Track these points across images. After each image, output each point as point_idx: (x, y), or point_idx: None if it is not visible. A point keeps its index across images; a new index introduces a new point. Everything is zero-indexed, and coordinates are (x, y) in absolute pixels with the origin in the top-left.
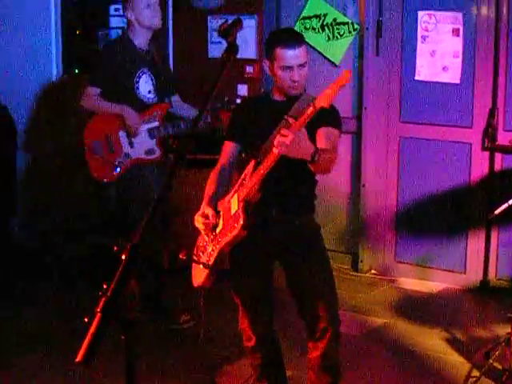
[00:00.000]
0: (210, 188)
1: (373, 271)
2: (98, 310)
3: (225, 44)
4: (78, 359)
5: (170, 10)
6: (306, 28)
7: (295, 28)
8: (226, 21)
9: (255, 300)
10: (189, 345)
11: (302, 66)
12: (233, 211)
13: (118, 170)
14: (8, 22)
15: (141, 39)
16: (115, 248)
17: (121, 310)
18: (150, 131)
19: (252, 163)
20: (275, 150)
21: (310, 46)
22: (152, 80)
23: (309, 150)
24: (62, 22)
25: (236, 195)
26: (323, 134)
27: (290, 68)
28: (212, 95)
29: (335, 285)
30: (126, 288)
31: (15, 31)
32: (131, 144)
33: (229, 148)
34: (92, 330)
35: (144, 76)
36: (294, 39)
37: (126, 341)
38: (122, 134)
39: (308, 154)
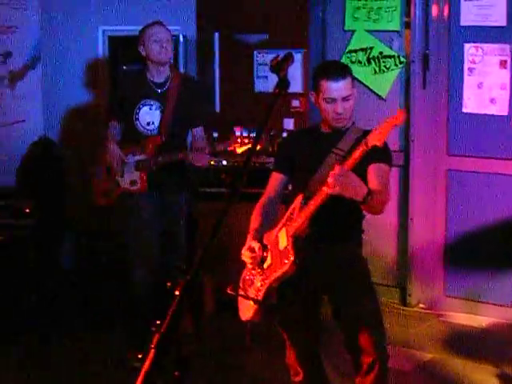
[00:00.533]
0: (255, 221)
1: (421, 305)
2: (152, 346)
3: (271, 78)
4: None
5: (217, 44)
6: (352, 61)
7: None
8: (278, 55)
9: (302, 334)
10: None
11: (345, 98)
12: (281, 246)
13: (107, 196)
14: (58, 57)
15: (153, 72)
16: (169, 284)
17: (174, 345)
18: (137, 163)
19: (300, 197)
20: (326, 189)
21: (357, 79)
22: (161, 112)
23: (362, 191)
24: (109, 57)
25: (284, 230)
26: (375, 172)
27: (334, 100)
28: (264, 129)
29: (383, 319)
30: (179, 324)
31: (63, 66)
32: (122, 174)
33: (276, 180)
34: (146, 366)
35: (145, 108)
36: (338, 72)
37: (179, 377)
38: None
39: (360, 195)
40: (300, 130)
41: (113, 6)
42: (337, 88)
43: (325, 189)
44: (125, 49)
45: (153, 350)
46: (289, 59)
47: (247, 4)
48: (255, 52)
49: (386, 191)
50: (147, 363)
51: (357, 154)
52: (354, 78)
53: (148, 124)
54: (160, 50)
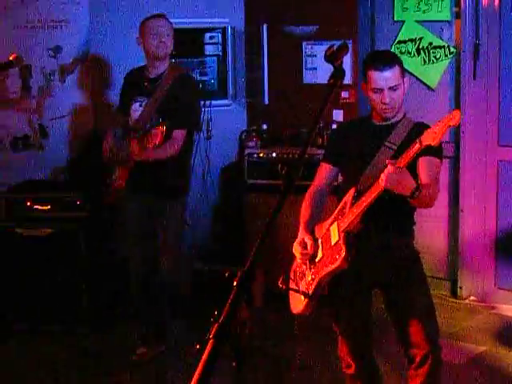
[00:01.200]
0: (305, 212)
1: (472, 298)
2: (211, 336)
3: (320, 70)
4: None
5: (265, 36)
6: (401, 52)
7: None
8: (333, 45)
9: (354, 328)
10: (284, 372)
11: (392, 88)
12: (333, 241)
13: (108, 197)
14: (107, 51)
15: (150, 68)
16: (227, 274)
17: (233, 336)
18: (118, 159)
19: (352, 191)
20: (382, 183)
21: (406, 70)
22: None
23: (411, 186)
24: None
25: (336, 224)
26: (425, 165)
27: (381, 90)
28: (319, 120)
29: (435, 311)
30: (237, 314)
31: (113, 58)
32: (115, 174)
33: (325, 170)
34: (205, 356)
35: (136, 105)
36: (385, 61)
37: (237, 367)
38: None
39: (409, 190)
40: (351, 121)
41: None
42: (383, 77)
43: (381, 182)
44: (174, 42)
45: (211, 341)
46: (344, 49)
47: None
48: (304, 43)
49: (435, 185)
50: (206, 353)
51: (411, 152)
52: (403, 68)
53: (136, 121)
54: (158, 44)
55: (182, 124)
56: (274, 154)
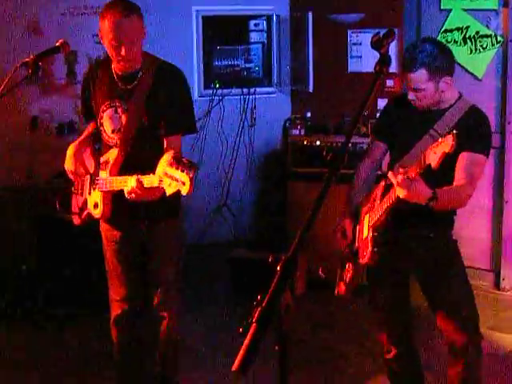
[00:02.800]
0: (352, 191)
1: None
2: (254, 320)
3: (364, 58)
4: (234, 368)
5: (310, 23)
6: (447, 41)
7: None
8: (379, 33)
9: (393, 314)
10: (324, 361)
11: (414, 89)
12: (364, 235)
13: (76, 219)
14: (152, 38)
15: (119, 63)
16: (270, 259)
17: (276, 320)
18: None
19: (381, 185)
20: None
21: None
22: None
23: (424, 195)
24: (202, 37)
25: (368, 216)
26: (464, 165)
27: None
28: (365, 108)
29: (474, 298)
30: (280, 299)
31: (156, 45)
32: (90, 191)
33: (379, 149)
34: (247, 340)
35: (109, 111)
36: (410, 63)
37: (280, 352)
38: (87, 176)
39: (423, 200)
40: (405, 98)
41: None
42: (405, 77)
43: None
44: (219, 29)
45: (254, 325)
46: (390, 36)
47: None
48: (349, 31)
49: (470, 186)
50: (248, 337)
51: (418, 167)
52: (440, 69)
53: (113, 131)
54: (124, 59)
55: (177, 129)
56: (317, 142)
